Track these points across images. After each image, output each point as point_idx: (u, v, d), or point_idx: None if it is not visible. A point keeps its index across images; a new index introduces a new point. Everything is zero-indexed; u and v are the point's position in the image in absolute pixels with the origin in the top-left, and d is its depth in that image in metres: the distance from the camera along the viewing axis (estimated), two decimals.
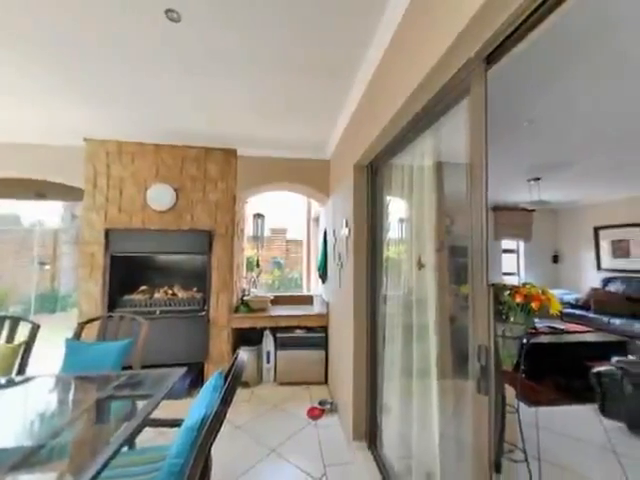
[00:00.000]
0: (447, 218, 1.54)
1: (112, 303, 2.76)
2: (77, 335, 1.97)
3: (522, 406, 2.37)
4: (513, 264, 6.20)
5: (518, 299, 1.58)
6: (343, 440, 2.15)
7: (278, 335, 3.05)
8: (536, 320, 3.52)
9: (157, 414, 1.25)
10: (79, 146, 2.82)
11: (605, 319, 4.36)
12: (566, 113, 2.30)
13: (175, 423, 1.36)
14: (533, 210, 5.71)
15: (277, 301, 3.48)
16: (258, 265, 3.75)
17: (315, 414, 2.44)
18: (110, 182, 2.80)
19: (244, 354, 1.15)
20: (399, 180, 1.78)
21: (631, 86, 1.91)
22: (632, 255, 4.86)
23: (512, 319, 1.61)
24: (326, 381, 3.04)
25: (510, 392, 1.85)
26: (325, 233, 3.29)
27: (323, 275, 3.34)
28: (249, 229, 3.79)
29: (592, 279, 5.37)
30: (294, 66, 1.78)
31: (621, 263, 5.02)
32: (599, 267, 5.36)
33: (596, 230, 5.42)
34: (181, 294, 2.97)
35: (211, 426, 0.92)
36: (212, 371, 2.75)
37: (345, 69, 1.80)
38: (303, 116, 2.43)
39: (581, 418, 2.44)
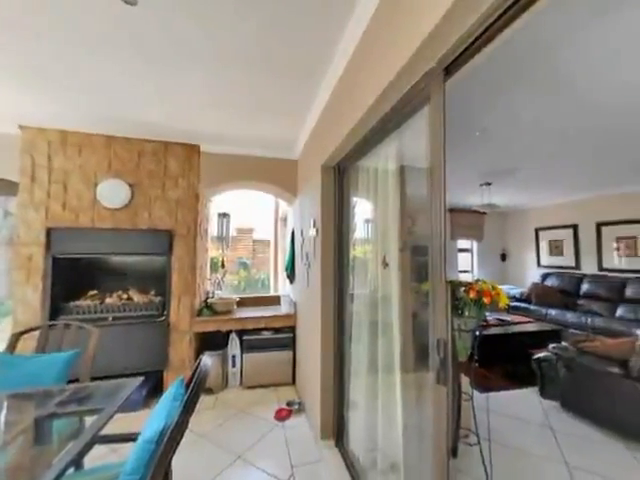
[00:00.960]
0: (409, 219, 1.61)
1: (55, 310, 2.48)
2: (11, 347, 1.74)
3: (475, 393, 2.57)
4: (468, 262, 6.70)
5: (472, 295, 1.71)
6: (311, 439, 2.16)
7: (244, 338, 2.97)
8: (487, 313, 3.85)
9: (110, 429, 1.15)
10: (13, 134, 2.50)
11: (544, 310, 4.89)
12: (511, 125, 2.53)
13: (130, 437, 1.26)
14: (485, 212, 6.22)
15: (243, 303, 3.39)
16: (223, 266, 3.62)
17: (283, 415, 2.42)
18: (52, 176, 2.52)
19: (208, 359, 1.10)
20: (365, 182, 1.83)
21: (564, 103, 2.16)
22: (565, 253, 5.51)
23: (467, 313, 1.74)
24: (294, 381, 3.02)
25: (465, 381, 2.00)
26: (293, 233, 3.27)
27: (291, 275, 3.32)
28: (214, 229, 3.64)
29: (533, 275, 5.99)
30: (261, 63, 1.74)
31: (556, 260, 5.67)
32: (539, 264, 6.00)
33: (537, 231, 6.05)
34: (137, 298, 2.76)
35: (171, 437, 0.87)
36: (172, 379, 2.59)
37: (313, 69, 1.80)
38: (270, 114, 2.39)
39: (525, 400, 2.71)
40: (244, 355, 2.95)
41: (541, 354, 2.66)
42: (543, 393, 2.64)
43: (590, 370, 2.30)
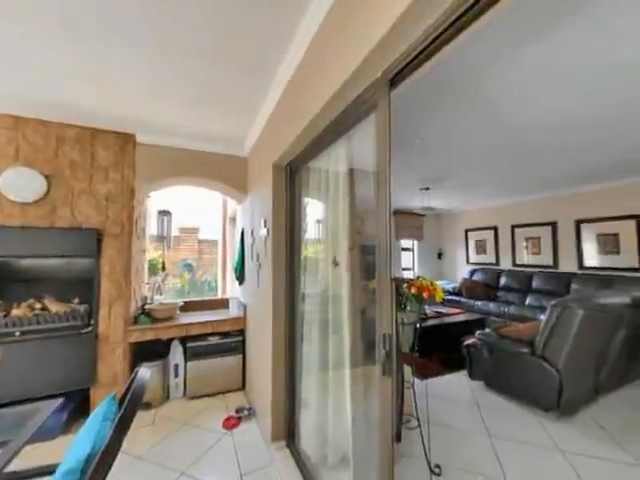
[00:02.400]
0: (358, 220, 1.68)
1: None
2: None
3: (416, 380, 2.79)
4: (409, 260, 7.26)
5: (413, 290, 1.86)
6: (262, 444, 2.11)
7: (189, 345, 2.77)
8: (426, 307, 4.22)
9: (20, 464, 0.97)
10: None
11: (472, 302, 5.55)
12: (445, 137, 2.82)
13: (47, 471, 1.08)
14: (424, 215, 6.82)
15: (188, 307, 3.16)
16: (164, 268, 3.33)
17: (231, 424, 2.32)
18: None
19: (145, 371, 1.00)
20: (316, 183, 1.85)
21: (487, 122, 2.48)
22: (488, 252, 6.34)
23: (409, 308, 1.88)
24: (244, 387, 2.92)
25: (407, 370, 2.16)
26: (242, 233, 3.16)
27: (240, 277, 3.20)
28: (153, 227, 3.32)
29: (463, 271, 6.76)
30: (209, 55, 1.64)
31: (482, 258, 6.48)
32: (468, 261, 6.79)
33: (466, 232, 6.84)
34: (55, 308, 2.37)
35: (100, 463, 0.77)
36: (102, 397, 2.29)
37: (264, 66, 1.77)
38: (218, 108, 2.27)
39: (457, 383, 3.04)
40: (188, 363, 2.75)
41: (469, 340, 3.01)
42: (471, 375, 3.00)
43: (507, 351, 2.68)
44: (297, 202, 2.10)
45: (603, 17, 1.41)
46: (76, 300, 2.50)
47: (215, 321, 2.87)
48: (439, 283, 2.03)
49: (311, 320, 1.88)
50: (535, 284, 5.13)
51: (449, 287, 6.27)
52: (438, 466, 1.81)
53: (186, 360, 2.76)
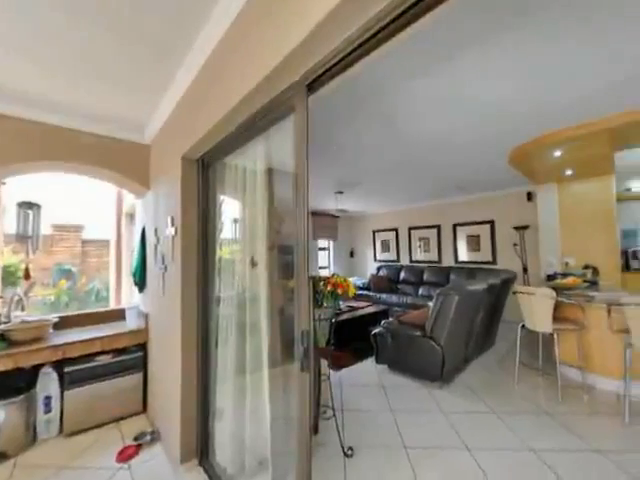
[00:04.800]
0: (277, 220, 1.68)
1: None
2: None
3: (331, 372, 2.96)
4: (326, 259, 7.66)
5: (329, 287, 1.97)
6: (169, 469, 1.87)
7: (67, 369, 2.23)
8: (340, 302, 4.52)
9: None
10: None
11: (378, 295, 6.24)
12: (356, 146, 3.09)
13: None
14: (338, 216, 7.31)
15: (67, 323, 2.54)
16: (28, 277, 2.60)
17: (128, 454, 1.98)
18: None
19: None
20: (233, 180, 1.77)
21: (390, 136, 2.83)
22: (391, 250, 7.24)
23: (325, 304, 1.98)
24: (145, 409, 2.54)
25: (323, 363, 2.27)
26: (143, 232, 2.75)
27: (140, 282, 2.77)
28: (11, 224, 2.55)
29: (372, 268, 7.54)
30: (97, 16, 1.37)
31: (386, 255, 7.36)
32: (375, 259, 7.61)
33: (374, 232, 7.65)
34: None
35: None
36: None
37: (172, 45, 1.57)
38: (112, 82, 1.91)
39: (366, 369, 3.36)
40: (66, 392, 2.22)
41: (376, 330, 3.37)
42: (378, 360, 3.36)
43: (405, 335, 3.11)
44: (211, 199, 1.95)
45: (470, 63, 1.79)
46: None
47: (106, 337, 2.40)
48: (351, 279, 2.20)
49: (227, 324, 1.78)
50: (426, 277, 6.12)
51: (360, 283, 6.88)
52: (351, 448, 1.96)
53: (63, 389, 2.23)
